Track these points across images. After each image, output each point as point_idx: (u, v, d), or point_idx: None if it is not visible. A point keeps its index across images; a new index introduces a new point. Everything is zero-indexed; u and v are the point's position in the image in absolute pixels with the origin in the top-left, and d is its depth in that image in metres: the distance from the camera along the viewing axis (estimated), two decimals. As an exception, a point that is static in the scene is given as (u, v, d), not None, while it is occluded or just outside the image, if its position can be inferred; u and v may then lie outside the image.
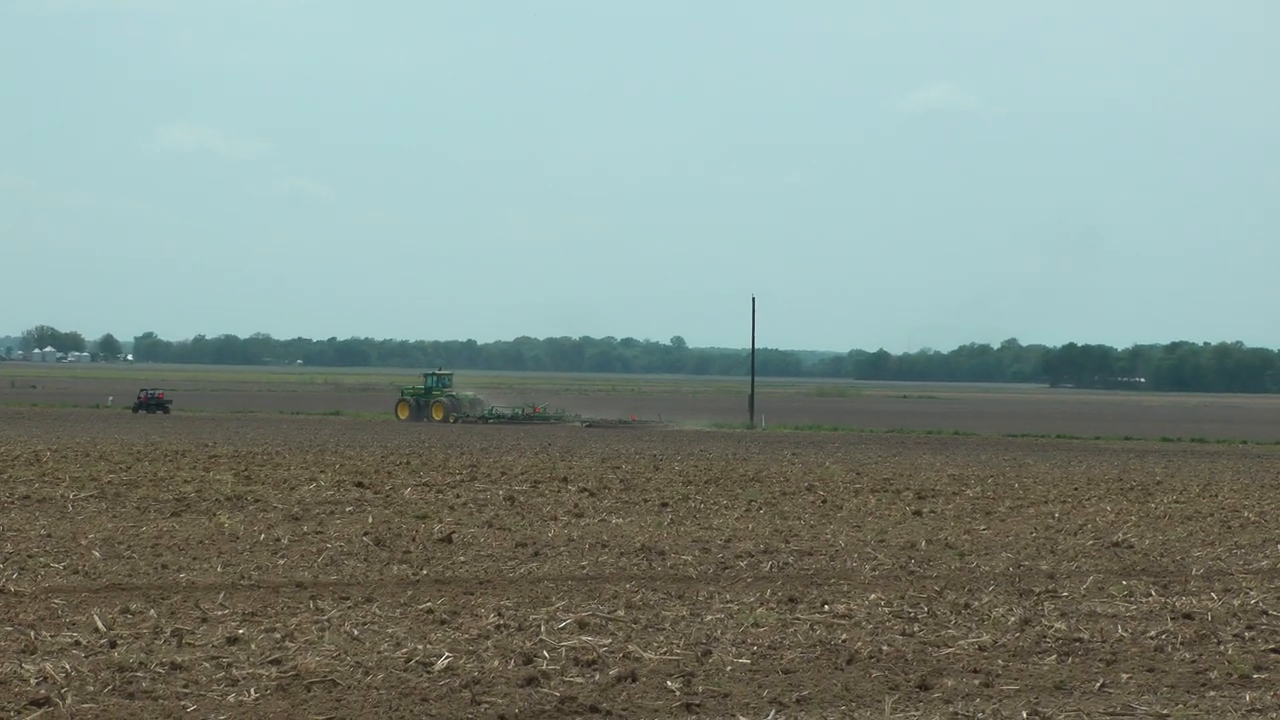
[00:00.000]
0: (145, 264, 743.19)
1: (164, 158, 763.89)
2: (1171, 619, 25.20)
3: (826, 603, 26.09)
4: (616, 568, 30.45)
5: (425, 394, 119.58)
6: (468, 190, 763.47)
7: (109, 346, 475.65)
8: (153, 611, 23.74)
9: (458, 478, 52.51)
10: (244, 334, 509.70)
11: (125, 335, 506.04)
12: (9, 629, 22.12)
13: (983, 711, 18.45)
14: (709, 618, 24.32)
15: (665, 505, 44.14)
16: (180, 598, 25.28)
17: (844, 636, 22.86)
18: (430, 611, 24.26)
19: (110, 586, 26.45)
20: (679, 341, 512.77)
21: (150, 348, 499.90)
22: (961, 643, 22.60)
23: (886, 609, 25.59)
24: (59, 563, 29.12)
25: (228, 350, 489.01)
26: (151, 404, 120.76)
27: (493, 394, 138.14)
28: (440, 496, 45.22)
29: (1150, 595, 28.01)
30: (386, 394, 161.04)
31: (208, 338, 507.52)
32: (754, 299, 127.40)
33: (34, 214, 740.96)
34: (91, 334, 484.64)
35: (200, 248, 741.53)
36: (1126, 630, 23.99)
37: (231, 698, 18.21)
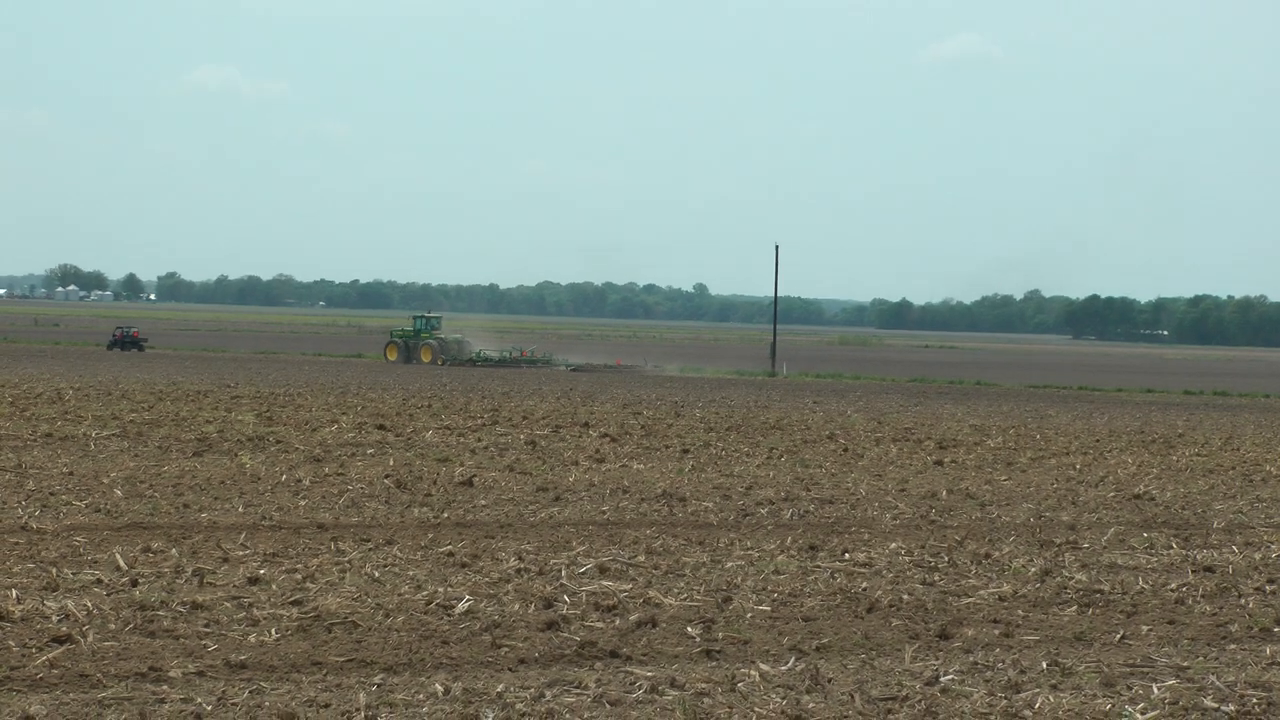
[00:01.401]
0: (169, 204, 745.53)
1: (188, 97, 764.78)
2: (1192, 571, 25.16)
3: (847, 551, 26.09)
4: (637, 513, 30.47)
5: (414, 336, 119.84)
6: (492, 134, 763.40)
7: (132, 286, 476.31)
8: (174, 551, 23.81)
9: (479, 422, 52.51)
10: (266, 275, 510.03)
11: (148, 275, 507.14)
12: (31, 566, 22.20)
13: (1002, 661, 18.42)
14: (729, 564, 24.32)
15: (686, 452, 44.12)
16: (201, 537, 25.35)
17: (864, 585, 22.85)
18: (451, 554, 24.29)
19: (132, 525, 26.52)
20: (701, 289, 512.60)
21: (173, 287, 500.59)
22: (982, 593, 22.59)
23: (907, 558, 25.58)
24: (81, 501, 29.22)
25: (250, 291, 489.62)
26: (126, 342, 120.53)
27: (508, 339, 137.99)
28: (461, 440, 45.24)
29: (1171, 548, 27.96)
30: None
31: (230, 278, 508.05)
32: (777, 247, 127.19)
33: (58, 153, 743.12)
34: (114, 273, 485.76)
35: (224, 188, 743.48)
36: (1147, 582, 23.96)
37: (252, 637, 18.26)
